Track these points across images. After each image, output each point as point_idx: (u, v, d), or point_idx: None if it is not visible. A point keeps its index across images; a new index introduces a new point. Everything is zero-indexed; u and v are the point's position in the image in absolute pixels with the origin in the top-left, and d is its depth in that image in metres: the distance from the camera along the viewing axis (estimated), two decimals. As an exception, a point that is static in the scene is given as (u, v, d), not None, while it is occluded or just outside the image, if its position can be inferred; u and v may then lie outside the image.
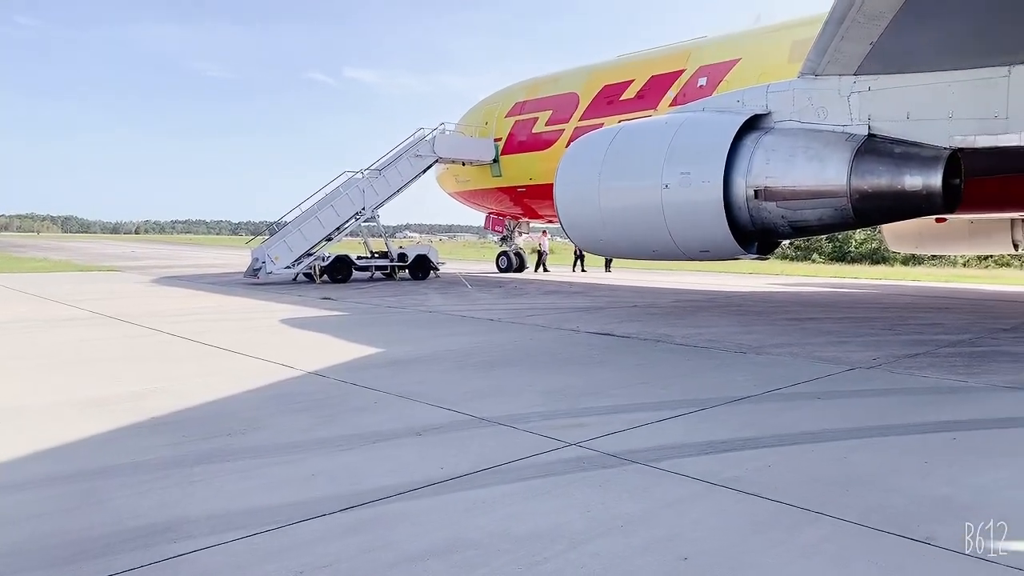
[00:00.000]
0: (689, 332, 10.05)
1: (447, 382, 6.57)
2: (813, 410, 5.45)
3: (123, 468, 4.10)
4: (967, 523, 3.20)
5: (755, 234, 10.77)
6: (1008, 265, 39.78)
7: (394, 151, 22.88)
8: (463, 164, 23.85)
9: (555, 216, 13.07)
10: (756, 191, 10.29)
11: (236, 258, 34.11)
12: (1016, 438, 4.75)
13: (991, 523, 3.26)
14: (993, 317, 12.54)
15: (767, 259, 11.54)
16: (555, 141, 21.17)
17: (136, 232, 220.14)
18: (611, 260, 30.03)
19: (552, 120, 21.67)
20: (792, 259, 47.52)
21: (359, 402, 5.73)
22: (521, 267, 27.51)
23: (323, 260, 20.44)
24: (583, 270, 29.99)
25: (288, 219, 22.15)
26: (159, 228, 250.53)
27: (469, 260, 39.18)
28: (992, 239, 19.92)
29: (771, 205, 10.26)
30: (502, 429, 4.91)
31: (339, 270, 20.63)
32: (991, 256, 37.79)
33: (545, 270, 29.32)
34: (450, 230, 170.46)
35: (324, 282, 20.01)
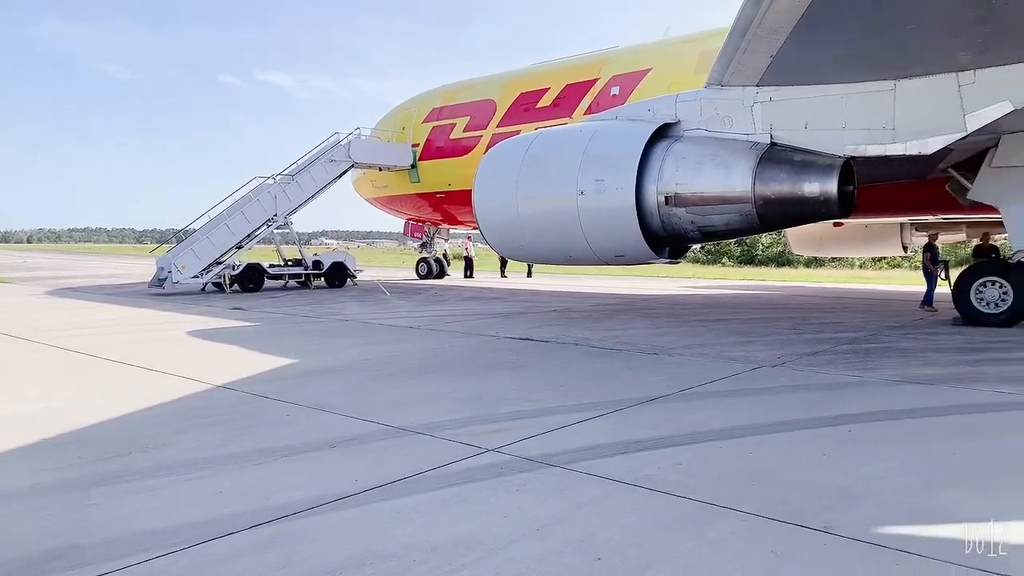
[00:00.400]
0: (606, 335, 10.25)
1: (363, 392, 6.45)
2: (722, 408, 5.65)
3: (11, 493, 3.82)
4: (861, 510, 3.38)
5: (666, 239, 11.11)
6: (899, 266, 42.47)
7: (308, 156, 22.33)
8: (380, 169, 23.55)
9: (475, 222, 13.08)
10: (667, 197, 10.60)
11: (140, 268, 32.49)
12: (904, 428, 5.06)
13: (882, 510, 3.47)
14: (885, 315, 13.37)
15: (678, 263, 11.92)
16: (473, 147, 21.21)
17: (28, 241, 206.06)
18: (532, 266, 30.32)
19: (470, 126, 21.70)
20: (703, 262, 49.21)
21: (271, 415, 5.54)
22: (441, 273, 27.40)
23: (233, 269, 19.71)
24: (503, 276, 30.16)
25: (196, 226, 21.25)
26: (55, 237, 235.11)
27: (388, 267, 38.66)
28: (885, 242, 21.25)
29: (681, 211, 10.59)
30: (419, 438, 4.86)
31: (250, 279, 19.94)
32: (884, 258, 40.22)
33: (471, 276, 29.31)
34: (369, 236, 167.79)
35: (235, 291, 19.31)
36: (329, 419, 5.38)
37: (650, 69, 18.20)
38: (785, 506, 3.53)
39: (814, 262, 41.80)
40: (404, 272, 31.16)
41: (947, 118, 9.27)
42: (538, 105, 20.39)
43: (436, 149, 22.64)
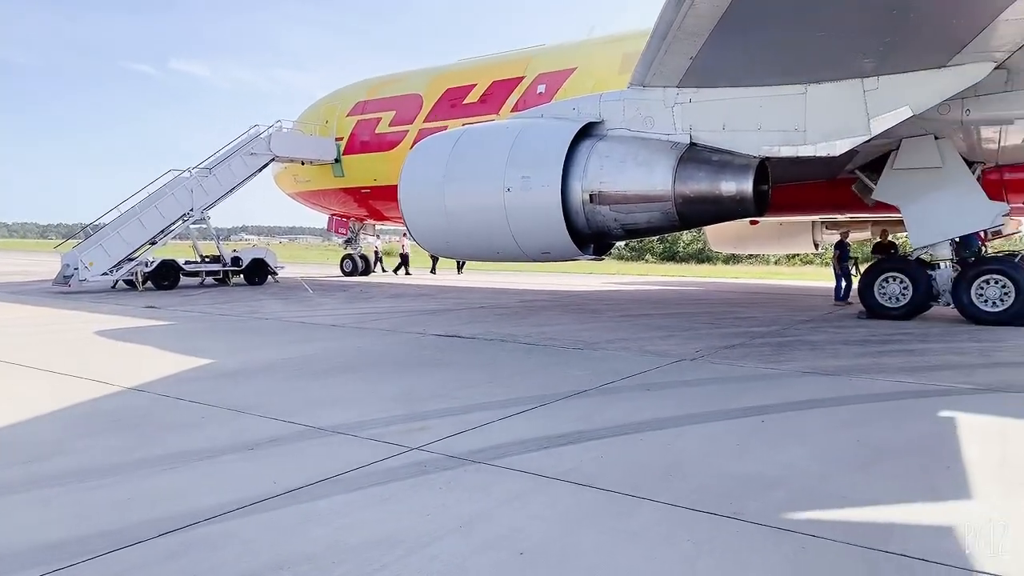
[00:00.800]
0: (532, 331, 10.33)
1: (283, 392, 6.28)
2: (643, 401, 5.78)
3: None
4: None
5: (591, 236, 11.28)
6: (811, 263, 44.49)
7: (227, 149, 21.57)
8: (303, 163, 22.99)
9: (401, 218, 12.94)
10: (591, 195, 10.76)
11: (45, 265, 30.63)
12: (813, 417, 5.31)
13: (791, 496, 3.63)
14: (797, 310, 13.99)
15: (603, 259, 12.12)
16: (399, 142, 20.98)
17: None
18: (463, 262, 30.33)
19: (396, 121, 21.44)
20: (627, 259, 50.27)
21: (184, 418, 5.33)
22: (367, 270, 27.00)
23: (146, 265, 18.83)
24: (432, 272, 30.01)
25: (106, 221, 20.22)
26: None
27: (312, 263, 37.81)
28: (797, 239, 22.20)
29: (605, 209, 10.77)
30: (342, 438, 4.77)
31: (165, 276, 19.11)
32: (797, 254, 42.05)
33: (407, 273, 29.06)
34: (291, 232, 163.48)
35: (148, 289, 18.47)
36: (247, 421, 5.22)
37: (575, 68, 18.42)
38: (701, 495, 3.64)
39: (732, 259, 43.32)
40: (329, 269, 30.54)
41: (853, 122, 9.76)
42: (465, 101, 20.33)
43: (361, 143, 22.27)
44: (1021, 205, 14.27)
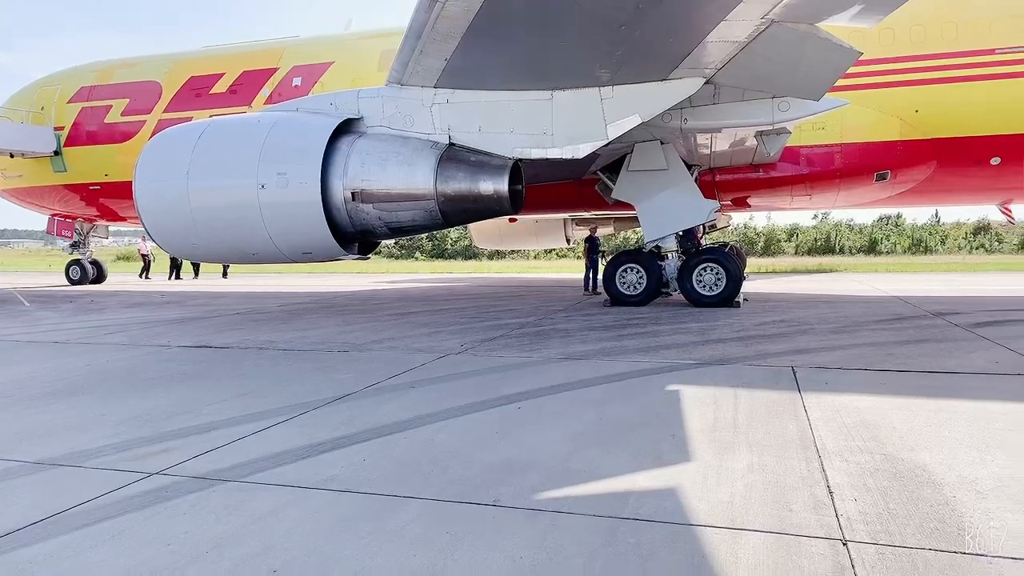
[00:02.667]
0: (294, 336, 9.89)
1: (-12, 424, 5.33)
2: (408, 399, 5.80)
3: None
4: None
5: (355, 235, 11.09)
6: (566, 256, 48.03)
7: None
8: (12, 156, 19.74)
9: (138, 218, 11.65)
10: (353, 193, 10.58)
11: None
12: (563, 401, 5.70)
13: (543, 477, 3.87)
14: (553, 301, 15.00)
15: (368, 259, 11.97)
16: (135, 133, 18.89)
17: None
18: (228, 266, 28.35)
19: (130, 110, 19.25)
20: (397, 257, 50.32)
21: None
22: (100, 277, 23.98)
23: None
24: (178, 277, 27.53)
25: None
26: None
27: (32, 271, 32.64)
28: (552, 235, 23.78)
29: (368, 207, 10.65)
30: (65, 471, 4.17)
31: None
32: (554, 249, 45.11)
33: (147, 278, 26.20)
34: (3, 236, 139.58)
35: None
36: (-66, 463, 4.34)
37: (333, 63, 17.95)
38: (461, 487, 3.74)
39: (496, 255, 45.37)
40: (53, 277, 26.61)
41: (593, 127, 10.65)
42: (212, 91, 18.86)
43: (87, 134, 19.67)
44: (729, 202, 16.68)
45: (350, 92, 11.77)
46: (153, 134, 16.43)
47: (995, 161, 14.45)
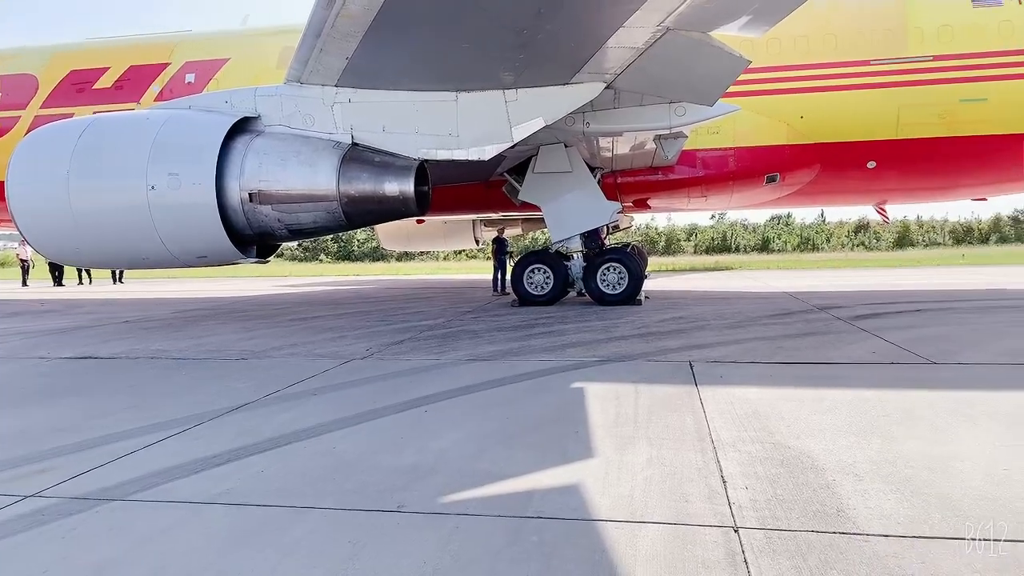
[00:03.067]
0: (188, 344, 9.43)
1: None
2: (310, 407, 5.64)
3: None
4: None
5: (253, 237, 10.71)
6: (476, 257, 48.11)
7: None
8: None
9: (11, 220, 10.81)
10: (251, 194, 10.22)
11: None
12: (471, 402, 5.70)
13: (448, 480, 3.85)
14: (461, 302, 14.98)
15: (268, 262, 11.57)
16: (9, 129, 17.48)
17: None
18: (121, 271, 26.78)
19: (2, 105, 17.82)
20: (301, 260, 48.92)
21: None
22: (-29, 285, 22.10)
23: None
24: (59, 284, 25.79)
25: None
26: None
27: None
28: (461, 236, 23.74)
29: (267, 208, 10.30)
30: (-78, 498, 3.81)
31: None
32: (464, 250, 45.09)
33: (24, 284, 24.37)
34: None
35: None
36: None
37: (229, 59, 17.25)
38: (363, 494, 3.67)
39: (405, 256, 44.86)
40: (-86, 286, 24.31)
41: (498, 129, 10.71)
42: (96, 86, 17.72)
43: (-49, 130, 18.06)
44: (631, 204, 17.17)
45: (247, 90, 11.34)
46: (28, 131, 15.27)
47: (871, 165, 15.53)
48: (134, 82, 17.58)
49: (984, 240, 54.03)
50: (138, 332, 11.03)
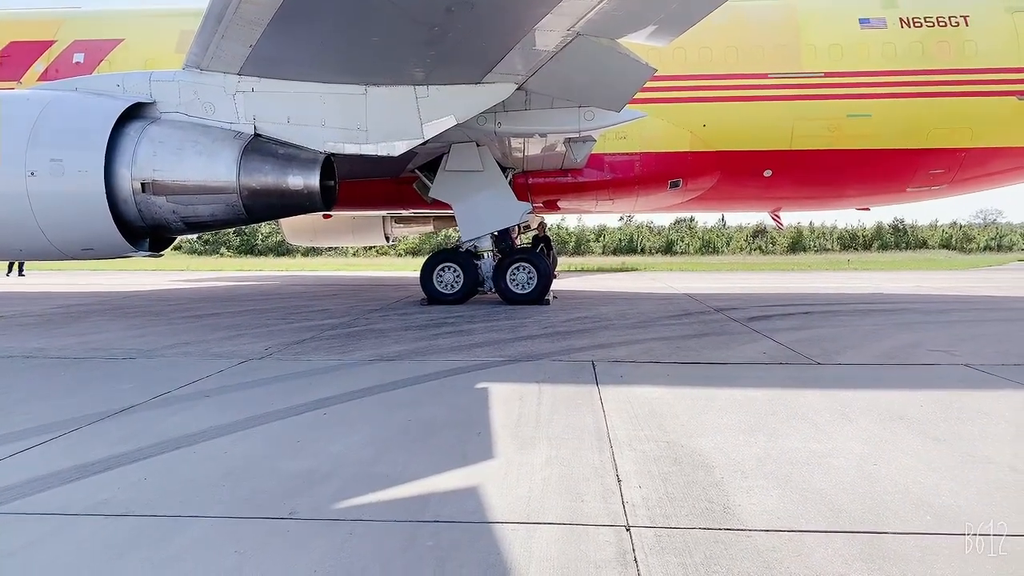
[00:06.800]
0: (71, 342, 8.83)
1: None
2: (201, 410, 5.38)
3: None
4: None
5: (146, 229, 10.17)
6: (387, 254, 47.46)
7: None
8: None
9: None
10: (143, 184, 9.70)
11: None
12: (372, 404, 5.59)
13: (344, 485, 3.76)
14: (369, 300, 14.72)
15: (162, 255, 10.99)
16: None
17: None
18: (21, 263, 24.79)
19: None
20: (201, 253, 46.80)
21: None
22: None
23: None
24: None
25: None
26: None
27: None
28: (370, 233, 23.35)
29: (161, 200, 9.80)
30: None
31: None
32: (373, 247, 44.36)
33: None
34: None
35: None
36: None
37: (123, 40, 16.29)
38: (254, 501, 3.53)
39: (312, 251, 43.71)
40: None
41: (409, 125, 10.59)
42: (-30, 62, 16.34)
43: None
44: (541, 204, 17.37)
45: (142, 74, 10.73)
46: None
47: (767, 173, 16.34)
48: (15, 59, 16.35)
49: (868, 246, 58.01)
50: (13, 328, 10.23)
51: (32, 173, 9.33)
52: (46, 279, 23.30)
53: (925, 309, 12.21)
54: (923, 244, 58.02)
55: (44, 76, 15.91)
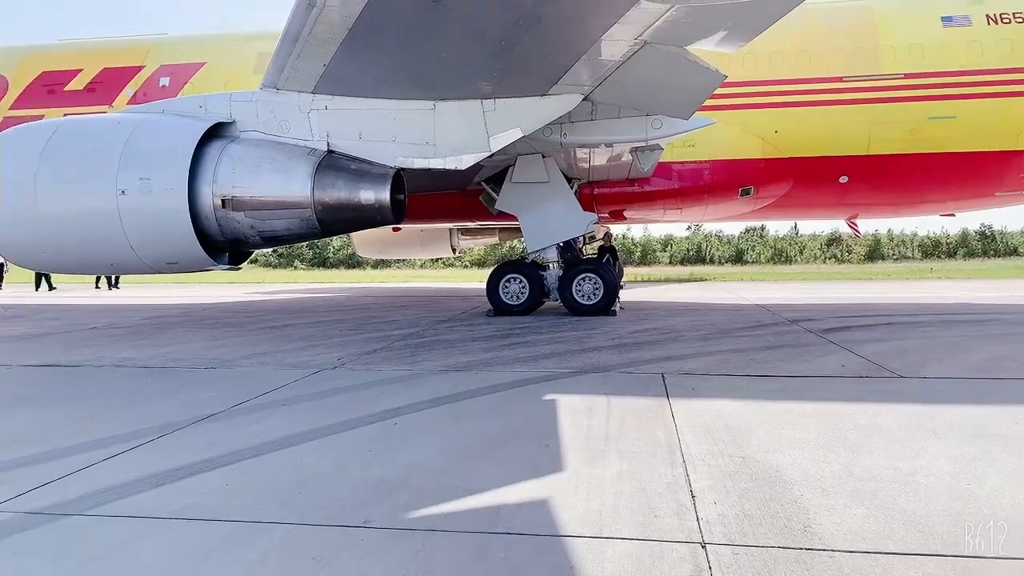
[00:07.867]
0: (155, 352, 9.26)
1: None
2: (278, 418, 5.54)
3: None
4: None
5: (225, 244, 10.59)
6: (452, 266, 48.02)
7: None
8: None
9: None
10: (224, 200, 10.11)
11: None
12: (443, 414, 5.64)
13: (416, 495, 3.80)
14: (437, 311, 14.91)
15: (240, 269, 11.43)
16: (-24, 132, 17.14)
17: None
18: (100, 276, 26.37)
19: (-29, 105, 17.49)
20: (275, 266, 48.46)
21: None
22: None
23: None
24: (49, 288, 25.32)
25: None
26: None
27: None
28: (437, 245, 23.70)
29: (240, 215, 10.19)
30: None
31: None
32: (440, 259, 45.00)
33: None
34: None
35: None
36: None
37: (205, 63, 17.10)
38: (329, 509, 3.60)
39: (381, 263, 44.68)
40: None
41: (476, 138, 10.72)
42: (68, 88, 17.47)
43: (-81, 131, 17.65)
44: (607, 215, 17.25)
45: (222, 95, 11.24)
46: (-3, 132, 14.99)
47: (843, 179, 15.78)
48: (107, 85, 17.36)
49: (952, 254, 55.17)
50: (104, 339, 10.81)
51: (123, 192, 9.86)
52: (135, 292, 24.58)
53: (1015, 320, 11.50)
54: (1013, 251, 54.75)
55: (133, 100, 16.85)
